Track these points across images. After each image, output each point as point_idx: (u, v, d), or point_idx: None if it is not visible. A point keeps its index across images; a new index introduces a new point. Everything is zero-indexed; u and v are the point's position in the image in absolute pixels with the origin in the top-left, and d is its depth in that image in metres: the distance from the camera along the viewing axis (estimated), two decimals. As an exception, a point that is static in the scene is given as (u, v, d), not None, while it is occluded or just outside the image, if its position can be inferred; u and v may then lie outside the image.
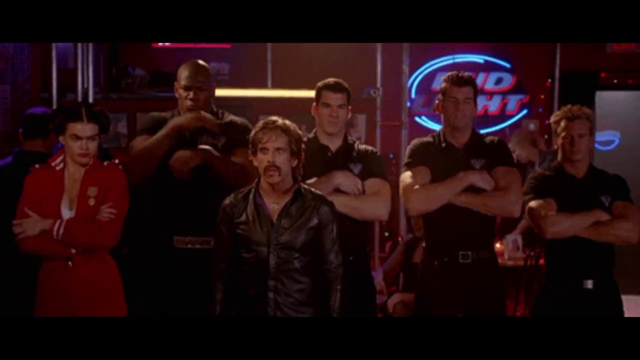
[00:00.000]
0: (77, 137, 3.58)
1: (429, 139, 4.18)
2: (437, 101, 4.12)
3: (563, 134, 4.02)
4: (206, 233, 3.91)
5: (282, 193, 3.53)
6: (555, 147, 4.12)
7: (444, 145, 4.09)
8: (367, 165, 4.07)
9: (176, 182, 4.03)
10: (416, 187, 3.99)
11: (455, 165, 4.02)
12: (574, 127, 3.99)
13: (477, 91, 4.09)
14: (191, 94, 4.06)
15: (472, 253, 3.98)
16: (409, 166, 4.09)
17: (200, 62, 4.19)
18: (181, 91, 4.11)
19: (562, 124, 4.01)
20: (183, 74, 4.11)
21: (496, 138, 4.23)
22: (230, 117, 4.23)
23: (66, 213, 3.63)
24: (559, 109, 4.26)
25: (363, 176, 4.06)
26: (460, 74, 4.05)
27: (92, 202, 3.62)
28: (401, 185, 4.08)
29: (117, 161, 3.81)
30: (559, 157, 4.10)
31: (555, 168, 4.12)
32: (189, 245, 4.04)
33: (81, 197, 3.63)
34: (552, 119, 4.12)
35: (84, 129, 3.58)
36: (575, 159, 4.02)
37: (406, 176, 4.06)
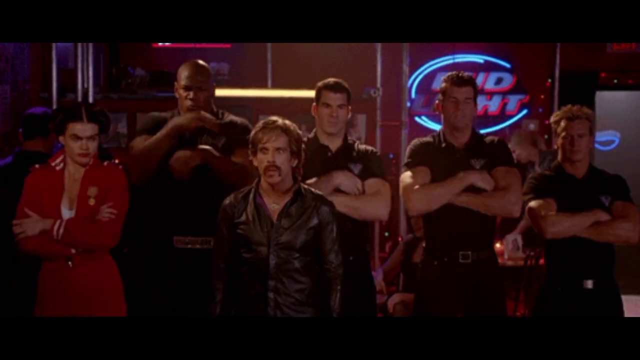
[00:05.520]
0: (77, 137, 3.59)
1: (428, 139, 4.17)
2: (437, 101, 4.12)
3: (563, 134, 4.02)
4: (206, 233, 3.91)
5: (282, 193, 3.53)
6: (556, 147, 4.12)
7: (444, 145, 4.09)
8: (367, 165, 4.08)
9: (176, 182, 4.03)
10: (416, 187, 3.99)
11: (455, 165, 4.02)
12: (574, 127, 3.99)
13: (477, 91, 4.09)
14: (191, 94, 4.05)
15: (472, 253, 3.98)
16: (408, 166, 4.09)
17: (200, 62, 4.18)
18: (181, 91, 4.10)
19: (562, 123, 4.02)
20: (183, 74, 4.10)
21: (496, 138, 4.23)
22: (230, 117, 4.23)
23: (66, 213, 3.63)
24: (559, 109, 4.27)
25: (363, 176, 4.06)
26: (460, 74, 4.05)
27: (92, 202, 3.62)
28: (401, 185, 4.08)
29: (117, 161, 3.81)
30: (559, 157, 4.10)
31: (555, 168, 4.12)
32: (189, 245, 4.04)
33: (81, 197, 3.63)
34: (552, 118, 4.12)
35: (84, 129, 3.58)
36: (575, 159, 4.02)
37: (406, 176, 4.06)
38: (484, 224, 4.05)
